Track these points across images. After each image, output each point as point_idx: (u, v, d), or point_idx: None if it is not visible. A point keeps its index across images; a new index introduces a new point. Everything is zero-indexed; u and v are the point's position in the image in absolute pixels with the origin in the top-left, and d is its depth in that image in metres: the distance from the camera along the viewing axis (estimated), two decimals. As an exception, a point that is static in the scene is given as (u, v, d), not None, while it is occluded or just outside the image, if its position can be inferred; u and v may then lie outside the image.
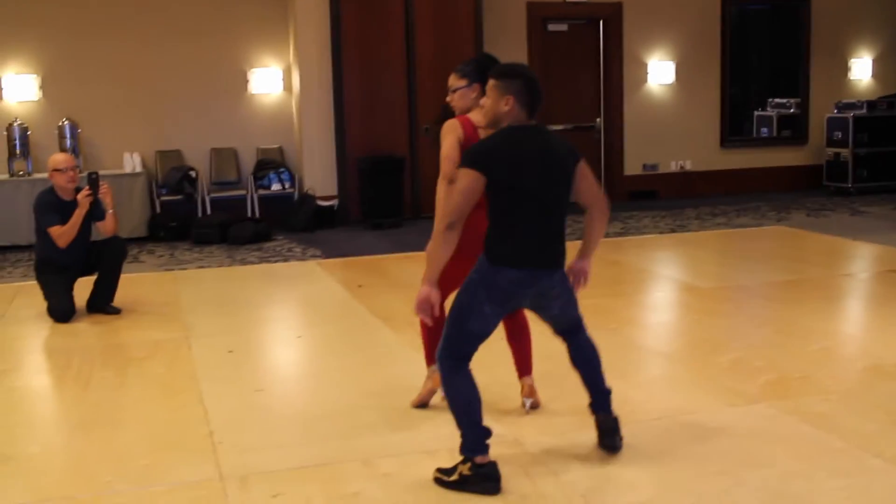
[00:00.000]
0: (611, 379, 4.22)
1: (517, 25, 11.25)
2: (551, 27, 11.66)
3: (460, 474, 3.53)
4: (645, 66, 11.99)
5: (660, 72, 12.06)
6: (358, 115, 10.52)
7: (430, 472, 3.65)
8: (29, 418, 4.63)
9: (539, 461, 3.78)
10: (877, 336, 5.54)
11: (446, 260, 3.53)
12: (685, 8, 12.06)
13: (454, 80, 4.22)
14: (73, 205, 6.28)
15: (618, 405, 4.26)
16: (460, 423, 3.54)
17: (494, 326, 3.62)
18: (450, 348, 3.56)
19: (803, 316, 6.07)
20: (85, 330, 6.15)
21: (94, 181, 6.25)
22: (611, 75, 11.88)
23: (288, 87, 10.76)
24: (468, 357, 3.57)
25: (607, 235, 9.14)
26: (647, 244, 9.01)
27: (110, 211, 6.41)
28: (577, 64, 11.77)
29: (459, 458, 3.57)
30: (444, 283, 4.19)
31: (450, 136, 4.08)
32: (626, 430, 3.93)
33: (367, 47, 10.46)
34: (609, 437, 3.82)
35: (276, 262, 8.55)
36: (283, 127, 10.83)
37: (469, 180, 3.45)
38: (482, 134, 4.14)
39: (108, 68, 10.08)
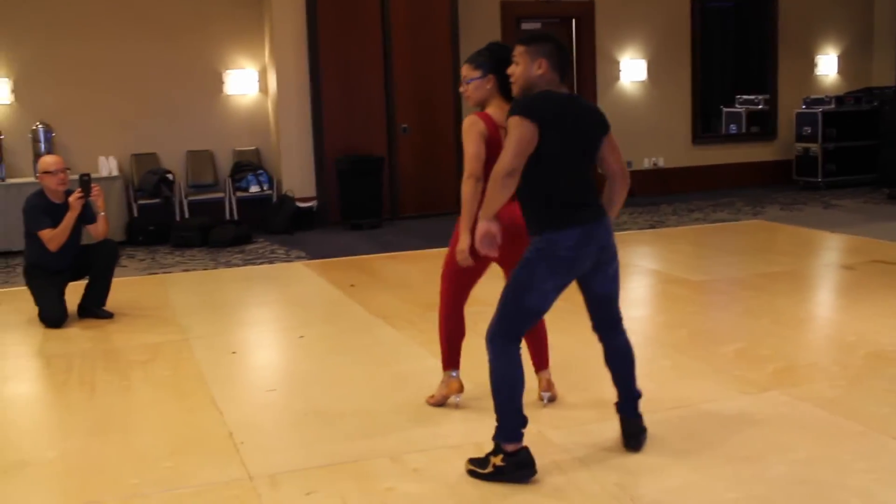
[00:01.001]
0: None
1: (491, 24, 11.28)
2: (525, 26, 11.71)
3: (494, 466, 3.53)
4: (617, 63, 12.09)
5: (632, 69, 12.17)
6: (335, 115, 10.48)
7: (459, 467, 3.65)
8: (38, 425, 4.55)
9: (567, 453, 3.79)
10: (871, 324, 5.62)
11: (502, 204, 3.46)
12: (656, 6, 12.18)
13: (468, 71, 4.14)
14: (64, 207, 6.19)
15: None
16: (502, 408, 3.51)
17: (552, 303, 3.58)
18: (504, 327, 3.52)
19: (796, 306, 6.15)
20: (78, 335, 6.05)
21: (85, 183, 6.16)
22: (584, 73, 11.96)
23: (263, 88, 10.69)
24: (520, 337, 3.56)
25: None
26: (629, 240, 9.08)
27: (102, 213, 6.32)
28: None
29: (490, 447, 3.57)
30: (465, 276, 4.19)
31: (472, 132, 3.96)
32: (646, 420, 3.97)
33: (344, 47, 10.42)
34: (634, 440, 3.82)
35: (261, 264, 8.48)
36: (260, 128, 10.75)
37: (524, 130, 3.40)
38: (503, 134, 4.12)
39: (81, 71, 9.94)
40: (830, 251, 8.39)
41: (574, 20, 11.92)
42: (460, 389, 4.32)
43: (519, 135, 3.41)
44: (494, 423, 3.57)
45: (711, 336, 5.50)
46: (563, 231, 3.50)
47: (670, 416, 4.18)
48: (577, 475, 3.58)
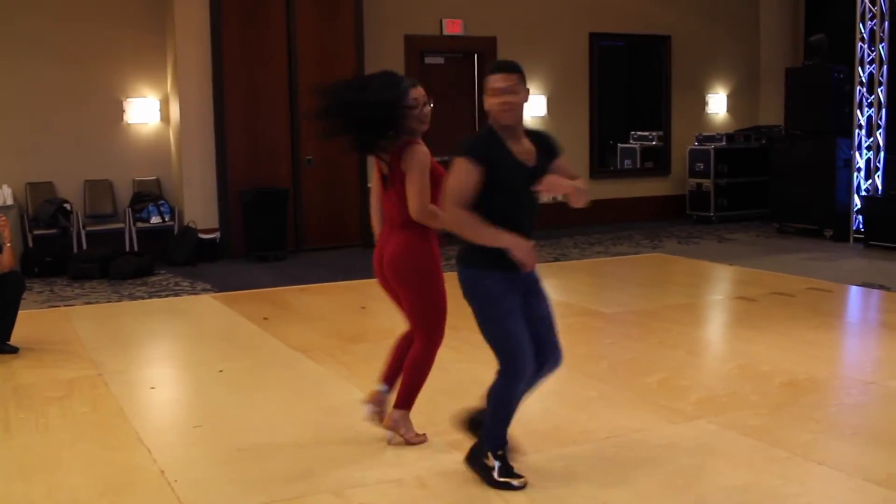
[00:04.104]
0: (551, 402, 4.33)
1: (395, 57, 11.32)
2: (428, 60, 11.82)
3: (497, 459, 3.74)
4: (519, 99, 12.27)
5: (532, 105, 12.39)
6: (240, 146, 10.35)
7: (404, 500, 3.63)
8: (-50, 466, 4.32)
9: (499, 493, 3.76)
10: (783, 354, 5.83)
11: None
12: (555, 44, 12.46)
13: None
14: (-33, 239, 5.93)
15: (566, 426, 4.41)
16: (498, 425, 3.72)
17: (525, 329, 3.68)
18: (506, 364, 3.66)
19: (708, 337, 6.35)
20: (-17, 371, 5.79)
21: (-9, 214, 5.93)
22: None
23: (165, 117, 10.48)
24: (526, 373, 3.66)
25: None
26: (536, 272, 9.19)
27: (7, 245, 6.08)
28: (454, 96, 11.93)
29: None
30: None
31: None
32: (580, 450, 4.06)
33: (249, 78, 10.32)
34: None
35: (166, 296, 8.27)
36: (161, 158, 10.52)
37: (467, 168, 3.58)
38: None
39: (-27, 96, 9.57)
40: (731, 283, 8.67)
41: (476, 55, 12.09)
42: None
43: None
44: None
45: (632, 367, 5.62)
46: (491, 270, 3.66)
47: (605, 446, 4.25)
48: (522, 507, 3.60)
